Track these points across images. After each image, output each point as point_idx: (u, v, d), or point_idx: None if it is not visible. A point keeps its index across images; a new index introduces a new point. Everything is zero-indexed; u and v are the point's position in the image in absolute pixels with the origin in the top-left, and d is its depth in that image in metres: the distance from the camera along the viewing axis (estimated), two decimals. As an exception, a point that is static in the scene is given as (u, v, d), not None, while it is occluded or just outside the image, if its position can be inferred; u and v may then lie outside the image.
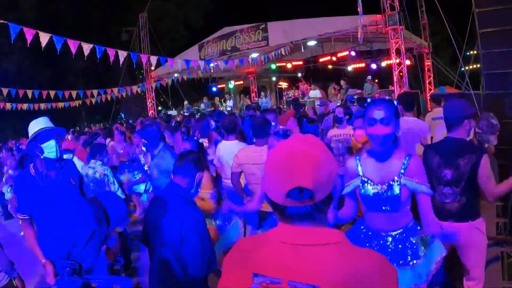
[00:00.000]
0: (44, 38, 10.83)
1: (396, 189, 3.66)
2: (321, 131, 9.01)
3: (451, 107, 4.77)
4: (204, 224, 3.55)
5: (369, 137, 3.66)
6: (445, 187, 4.56)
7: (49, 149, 4.74)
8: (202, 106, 27.69)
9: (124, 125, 19.64)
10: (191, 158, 3.84)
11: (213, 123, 9.04)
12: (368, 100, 3.34)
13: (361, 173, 3.69)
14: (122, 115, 41.90)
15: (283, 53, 20.94)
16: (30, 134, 4.75)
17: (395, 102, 5.05)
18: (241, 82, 34.86)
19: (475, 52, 13.47)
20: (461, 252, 4.69)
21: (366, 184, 3.68)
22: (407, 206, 3.80)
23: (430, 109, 13.51)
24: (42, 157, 4.76)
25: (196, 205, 3.71)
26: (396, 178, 3.67)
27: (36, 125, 4.79)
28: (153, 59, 15.70)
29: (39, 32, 10.72)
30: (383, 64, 24.90)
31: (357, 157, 3.81)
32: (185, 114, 22.30)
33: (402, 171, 3.70)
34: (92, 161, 7.51)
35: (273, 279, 1.74)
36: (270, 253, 1.80)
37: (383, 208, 3.71)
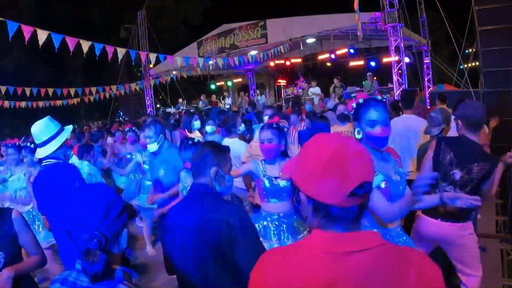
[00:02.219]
0: (42, 35, 10.80)
1: (403, 180, 3.72)
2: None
3: (477, 108, 4.66)
4: (250, 220, 3.25)
5: (369, 138, 3.57)
6: (449, 186, 4.54)
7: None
8: (200, 104, 27.68)
9: (123, 123, 19.60)
10: (203, 154, 3.43)
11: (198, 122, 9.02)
12: (360, 100, 3.30)
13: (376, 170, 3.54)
14: (121, 113, 41.86)
15: (282, 50, 20.89)
16: (48, 136, 4.75)
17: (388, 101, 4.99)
18: (240, 79, 34.84)
19: (474, 50, 13.47)
20: (449, 250, 4.74)
21: (387, 177, 3.59)
22: None
23: (429, 107, 13.49)
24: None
25: (228, 201, 3.47)
26: (394, 174, 3.69)
27: (55, 125, 4.86)
28: (152, 57, 15.67)
29: (37, 29, 10.69)
30: (382, 61, 24.88)
31: None
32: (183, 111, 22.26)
33: (396, 165, 3.79)
34: (78, 161, 7.54)
35: None
36: (311, 264, 1.69)
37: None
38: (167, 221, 3.39)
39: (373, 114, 3.53)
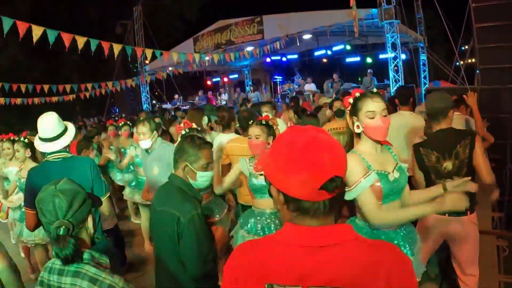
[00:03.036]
0: (37, 31, 10.76)
1: (404, 175, 3.72)
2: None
3: (435, 99, 4.77)
4: (200, 221, 3.44)
5: (368, 130, 3.56)
6: (446, 179, 4.49)
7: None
8: (197, 99, 27.67)
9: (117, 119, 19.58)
10: (177, 149, 3.78)
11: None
12: (357, 94, 3.30)
13: (372, 167, 3.56)
14: (117, 109, 41.83)
15: (278, 46, 20.88)
16: (57, 131, 4.75)
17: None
18: (236, 75, 34.82)
19: (470, 47, 13.46)
20: (456, 245, 4.75)
21: (383, 176, 3.58)
22: None
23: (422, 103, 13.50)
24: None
25: (195, 200, 3.59)
26: (396, 165, 3.70)
27: (60, 121, 4.85)
28: (148, 52, 15.63)
29: (32, 25, 10.65)
30: (378, 58, 24.89)
31: (356, 152, 3.65)
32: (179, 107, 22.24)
33: (396, 158, 3.80)
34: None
35: (291, 287, 1.67)
36: (283, 258, 1.71)
37: (397, 197, 3.70)
38: (152, 200, 3.85)
39: (371, 105, 3.53)
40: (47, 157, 4.79)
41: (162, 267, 3.65)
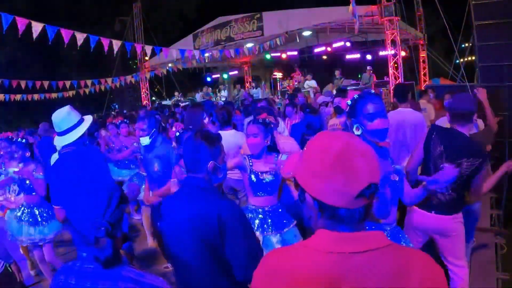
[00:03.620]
0: (37, 27, 10.75)
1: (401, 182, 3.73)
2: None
3: (464, 99, 4.72)
4: (244, 215, 3.26)
5: (369, 133, 3.52)
6: None
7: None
8: (198, 96, 27.67)
9: (115, 116, 19.56)
10: (197, 148, 3.34)
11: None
12: (355, 96, 3.30)
13: None
14: (116, 105, 41.79)
15: (278, 43, 20.84)
16: (69, 124, 4.76)
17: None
18: (236, 72, 34.79)
19: (470, 44, 13.48)
20: (440, 241, 4.76)
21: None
22: None
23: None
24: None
25: (223, 195, 3.48)
26: (393, 173, 3.68)
27: (75, 114, 4.87)
28: (148, 49, 15.62)
29: (31, 21, 10.64)
30: (378, 55, 24.88)
31: None
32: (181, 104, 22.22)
33: (393, 164, 3.79)
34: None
35: None
36: (316, 265, 1.66)
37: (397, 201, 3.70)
38: (162, 212, 3.36)
39: (370, 107, 3.50)
40: (61, 150, 4.82)
41: (201, 281, 3.18)
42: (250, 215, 4.96)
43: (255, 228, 4.82)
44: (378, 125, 3.49)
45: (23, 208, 6.89)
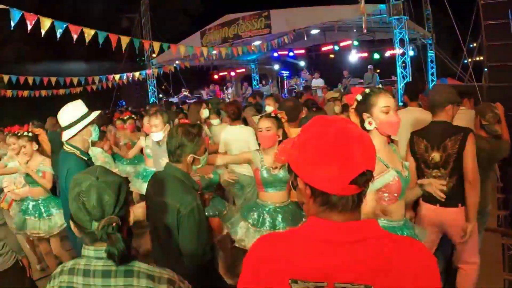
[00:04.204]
0: (45, 23, 10.75)
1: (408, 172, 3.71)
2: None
3: (436, 91, 4.94)
4: (200, 212, 3.43)
5: (383, 127, 3.48)
6: (433, 169, 4.70)
7: (96, 132, 4.92)
8: (204, 93, 27.71)
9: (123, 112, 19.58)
10: (178, 139, 3.68)
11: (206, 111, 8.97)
12: (367, 90, 3.27)
13: (389, 165, 3.49)
14: (123, 102, 41.83)
15: (286, 41, 20.81)
16: (73, 118, 4.74)
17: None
18: (243, 70, 34.76)
19: (478, 44, 13.42)
20: (454, 235, 4.81)
21: (398, 173, 3.53)
22: None
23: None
24: (90, 139, 4.88)
25: (193, 191, 3.59)
26: (401, 163, 3.68)
27: (81, 109, 4.85)
28: (156, 45, 15.60)
29: (40, 17, 10.64)
30: (386, 54, 24.81)
31: None
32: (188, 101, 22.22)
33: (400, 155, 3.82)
34: (92, 148, 7.50)
35: (316, 283, 1.62)
36: (308, 253, 1.66)
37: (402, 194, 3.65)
38: (147, 190, 3.86)
39: (385, 100, 3.47)
40: (64, 147, 4.83)
41: (159, 256, 3.68)
42: (257, 213, 4.99)
43: (266, 226, 4.89)
44: (393, 118, 3.45)
45: (28, 201, 6.91)
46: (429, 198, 4.44)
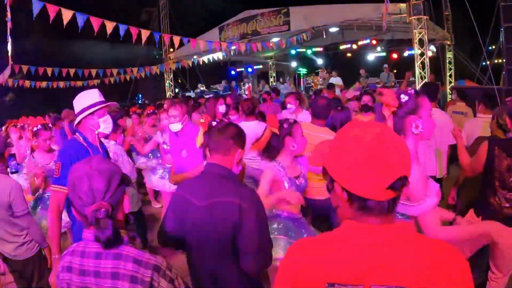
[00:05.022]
0: (67, 15, 10.80)
1: None
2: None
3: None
4: (262, 205, 3.21)
5: (427, 129, 3.23)
6: (509, 192, 4.34)
7: (106, 124, 4.77)
8: (218, 87, 27.81)
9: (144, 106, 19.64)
10: (230, 133, 3.41)
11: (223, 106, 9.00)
12: (414, 92, 3.19)
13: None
14: (140, 96, 41.97)
15: (305, 38, 20.75)
16: (82, 106, 4.68)
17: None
18: (260, 66, 34.76)
19: (498, 46, 13.34)
20: (499, 251, 4.59)
21: None
22: None
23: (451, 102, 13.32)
24: (97, 132, 4.78)
25: (245, 185, 3.45)
26: None
27: (91, 98, 4.74)
28: (175, 39, 15.61)
29: (61, 9, 10.69)
30: (405, 54, 24.70)
31: None
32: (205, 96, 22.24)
33: None
34: (105, 140, 7.54)
35: (353, 286, 1.65)
36: (344, 256, 1.69)
37: None
38: (179, 194, 3.42)
39: (428, 103, 3.29)
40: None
41: (211, 266, 3.24)
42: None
43: (292, 234, 4.67)
44: (433, 121, 3.29)
45: (46, 193, 6.94)
46: (491, 215, 4.37)
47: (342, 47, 27.10)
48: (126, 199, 2.50)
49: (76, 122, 4.76)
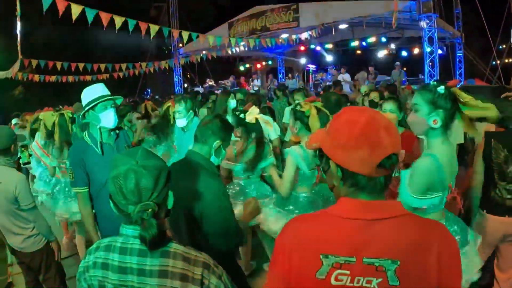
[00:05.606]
0: (76, 10, 10.82)
1: None
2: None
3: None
4: (225, 197, 3.42)
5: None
6: (509, 184, 4.35)
7: (107, 118, 4.66)
8: (228, 83, 27.79)
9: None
10: (211, 125, 3.62)
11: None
12: (457, 85, 3.15)
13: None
14: (149, 90, 42.03)
15: (314, 35, 20.70)
16: (85, 101, 4.65)
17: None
18: (269, 62, 34.73)
19: (509, 45, 13.28)
20: (506, 245, 4.58)
21: None
22: None
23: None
24: (98, 126, 4.69)
25: (216, 176, 3.57)
26: None
27: (93, 93, 4.69)
28: (185, 35, 15.61)
29: (71, 3, 10.70)
30: (414, 52, 24.61)
31: (434, 158, 3.24)
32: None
33: None
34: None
35: (346, 258, 1.74)
36: (338, 230, 1.80)
37: None
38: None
39: None
40: None
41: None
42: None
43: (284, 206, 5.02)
44: None
45: (58, 184, 7.00)
46: (495, 208, 4.37)
47: (351, 44, 27.03)
48: (171, 196, 2.36)
49: (80, 116, 4.77)
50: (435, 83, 3.36)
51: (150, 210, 2.14)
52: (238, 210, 5.01)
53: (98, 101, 4.60)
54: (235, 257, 3.76)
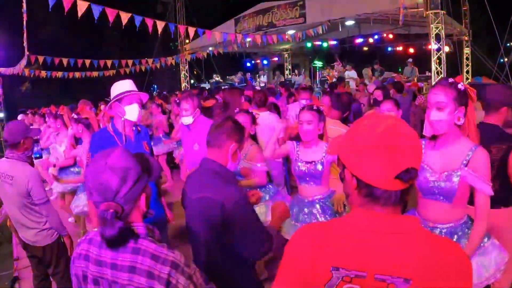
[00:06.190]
0: (82, 6, 10.83)
1: (455, 180, 3.42)
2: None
3: (493, 90, 4.70)
4: (246, 203, 3.24)
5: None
6: None
7: (132, 112, 4.83)
8: (235, 78, 27.79)
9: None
10: (225, 127, 3.39)
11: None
12: (470, 83, 3.25)
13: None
14: (155, 86, 42.07)
15: (320, 31, 20.64)
16: (113, 95, 4.84)
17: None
18: (276, 59, 34.74)
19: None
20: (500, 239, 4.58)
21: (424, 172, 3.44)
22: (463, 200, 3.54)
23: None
24: (123, 119, 4.83)
25: (234, 183, 3.39)
26: (457, 168, 3.42)
27: (121, 87, 4.87)
28: (191, 31, 15.59)
29: (77, 0, 10.71)
30: (421, 49, 24.53)
31: None
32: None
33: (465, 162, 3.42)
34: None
35: (357, 272, 1.67)
36: (350, 242, 1.73)
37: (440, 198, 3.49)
38: (183, 188, 3.52)
39: None
40: None
41: (203, 256, 3.33)
42: (296, 208, 4.96)
43: (301, 219, 4.84)
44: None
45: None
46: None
47: (357, 40, 26.98)
48: (143, 197, 2.38)
49: (107, 108, 4.99)
50: (452, 80, 3.42)
51: (111, 210, 2.17)
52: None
53: (124, 94, 4.78)
54: (253, 265, 3.57)
